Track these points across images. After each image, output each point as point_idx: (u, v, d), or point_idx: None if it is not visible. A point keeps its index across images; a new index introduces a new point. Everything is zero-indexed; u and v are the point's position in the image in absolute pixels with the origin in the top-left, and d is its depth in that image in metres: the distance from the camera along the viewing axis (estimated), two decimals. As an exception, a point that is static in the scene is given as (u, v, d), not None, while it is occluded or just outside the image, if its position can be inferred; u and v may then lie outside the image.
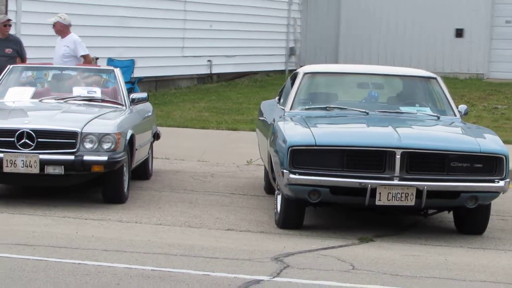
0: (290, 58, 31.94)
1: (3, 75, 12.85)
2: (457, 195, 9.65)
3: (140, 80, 21.29)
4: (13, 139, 10.72)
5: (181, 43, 26.18)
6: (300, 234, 9.81)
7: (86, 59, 15.05)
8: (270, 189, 11.77)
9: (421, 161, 9.61)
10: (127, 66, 20.02)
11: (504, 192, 9.85)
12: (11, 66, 13.32)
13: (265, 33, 30.43)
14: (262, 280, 7.81)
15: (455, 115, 11.22)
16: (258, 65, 30.26)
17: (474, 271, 8.50)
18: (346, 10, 32.24)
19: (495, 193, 9.80)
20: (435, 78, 11.81)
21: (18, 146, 10.70)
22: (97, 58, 19.01)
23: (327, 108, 11.16)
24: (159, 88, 24.41)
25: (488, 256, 9.26)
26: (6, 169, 10.66)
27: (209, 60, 27.63)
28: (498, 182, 9.65)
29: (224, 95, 24.33)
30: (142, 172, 12.97)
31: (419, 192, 9.48)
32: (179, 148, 15.50)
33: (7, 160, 10.64)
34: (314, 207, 10.12)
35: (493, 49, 30.91)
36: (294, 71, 12.97)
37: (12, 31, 17.01)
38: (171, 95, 23.68)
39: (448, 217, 10.68)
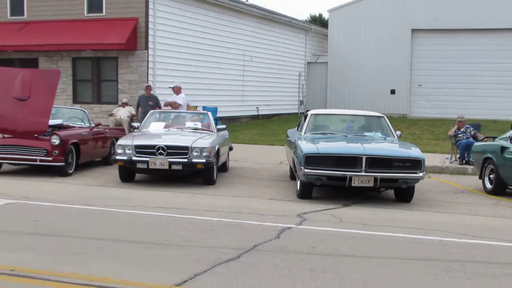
0: (301, 106, 31.92)
1: (148, 116, 12.99)
2: (396, 180, 9.58)
3: (221, 118, 21.44)
4: (154, 150, 10.84)
5: (241, 98, 26.25)
6: (310, 202, 9.78)
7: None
8: (293, 177, 11.80)
9: (376, 162, 9.52)
10: (213, 110, 20.16)
11: (422, 179, 9.77)
12: (151, 111, 13.48)
13: (287, 92, 30.54)
14: (292, 227, 7.80)
15: (394, 137, 11.11)
16: (283, 109, 30.28)
17: (407, 222, 8.42)
18: (330, 79, 32.02)
19: (417, 179, 9.69)
20: (382, 116, 11.71)
21: (156, 154, 10.81)
22: (196, 106, 19.14)
23: (324, 133, 11.10)
24: (230, 122, 24.45)
25: (414, 214, 9.16)
26: (150, 166, 10.79)
27: (257, 107, 27.66)
28: (419, 173, 9.59)
29: (265, 126, 24.31)
30: (223, 168, 12.99)
31: (375, 179, 9.42)
32: (242, 155, 15.48)
33: (151, 161, 10.77)
34: (318, 187, 10.09)
35: (411, 101, 30.61)
36: (305, 113, 12.95)
37: (152, 92, 17.22)
38: (237, 126, 23.69)
39: (391, 192, 10.62)
